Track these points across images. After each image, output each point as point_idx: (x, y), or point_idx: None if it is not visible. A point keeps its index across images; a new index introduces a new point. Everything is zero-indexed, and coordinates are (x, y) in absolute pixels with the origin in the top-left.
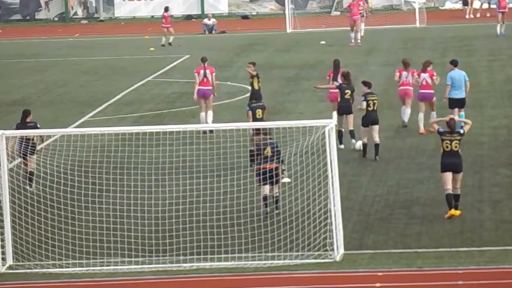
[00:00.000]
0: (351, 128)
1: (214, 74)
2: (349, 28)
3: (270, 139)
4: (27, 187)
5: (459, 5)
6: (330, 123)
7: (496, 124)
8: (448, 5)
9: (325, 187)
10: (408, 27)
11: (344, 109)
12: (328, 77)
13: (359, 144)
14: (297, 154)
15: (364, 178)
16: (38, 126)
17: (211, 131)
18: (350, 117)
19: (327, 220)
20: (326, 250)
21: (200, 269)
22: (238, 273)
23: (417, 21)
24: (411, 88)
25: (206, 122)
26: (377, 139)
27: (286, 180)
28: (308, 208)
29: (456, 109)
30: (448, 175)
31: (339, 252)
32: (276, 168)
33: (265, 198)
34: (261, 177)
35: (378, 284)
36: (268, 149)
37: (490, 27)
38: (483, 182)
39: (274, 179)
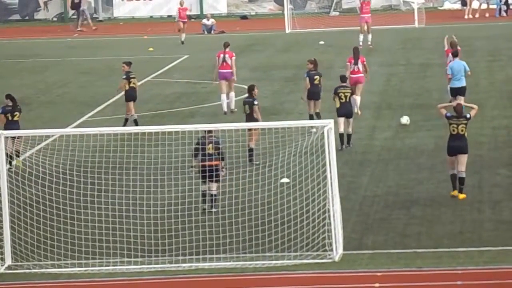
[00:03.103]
0: (317, 111)
1: (234, 58)
2: (359, 29)
3: (214, 136)
4: (9, 165)
5: (458, 6)
6: (329, 124)
7: (496, 124)
8: (447, 5)
9: (324, 187)
10: (407, 27)
11: (312, 94)
12: (348, 63)
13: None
14: (296, 155)
15: (364, 178)
16: (18, 106)
17: (232, 111)
18: (318, 102)
19: (326, 221)
20: (325, 251)
21: (199, 270)
22: (237, 273)
23: (416, 21)
24: None
25: (228, 104)
26: (349, 130)
27: (285, 180)
28: (307, 208)
29: (458, 97)
30: (453, 158)
31: (338, 252)
32: (217, 165)
33: (204, 195)
34: (204, 174)
35: (377, 284)
36: (210, 146)
37: (489, 28)
38: (482, 182)
39: (214, 177)
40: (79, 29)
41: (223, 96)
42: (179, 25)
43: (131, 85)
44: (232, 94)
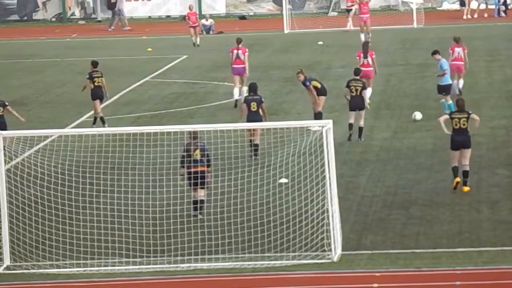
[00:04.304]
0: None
1: (246, 54)
2: (359, 28)
3: (200, 142)
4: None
5: (456, 6)
6: (328, 124)
7: (495, 124)
8: (446, 6)
9: (323, 187)
10: (405, 28)
11: (325, 91)
12: (358, 57)
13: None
14: (295, 155)
15: (362, 178)
16: (7, 104)
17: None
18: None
19: (325, 221)
20: (324, 251)
21: (198, 270)
22: (236, 273)
23: (414, 21)
24: (463, 63)
25: (239, 96)
26: (361, 123)
27: (284, 180)
28: (306, 209)
29: (448, 96)
30: (457, 152)
31: (336, 252)
32: (203, 171)
33: (195, 202)
34: (192, 180)
35: (375, 285)
36: (197, 151)
37: (488, 28)
38: (481, 182)
39: (201, 182)
40: (111, 28)
41: (236, 90)
42: (190, 31)
43: (96, 84)
44: (244, 88)
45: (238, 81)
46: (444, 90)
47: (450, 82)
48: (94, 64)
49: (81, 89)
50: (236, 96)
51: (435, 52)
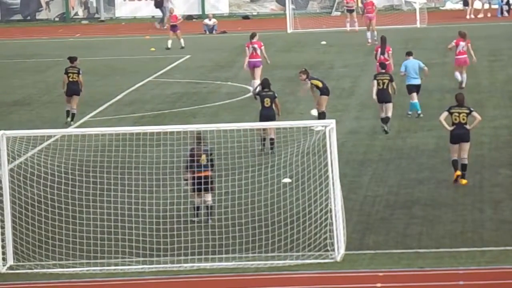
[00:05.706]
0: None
1: (262, 47)
2: (365, 27)
3: (204, 145)
4: None
5: (459, 6)
6: (331, 123)
7: (497, 124)
8: (449, 6)
9: (326, 187)
10: (408, 27)
11: (328, 91)
12: (375, 52)
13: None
14: (299, 155)
15: (365, 178)
16: None
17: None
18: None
19: (328, 221)
20: (327, 251)
21: (201, 270)
22: (239, 273)
23: (417, 21)
24: (467, 55)
25: (255, 89)
26: (388, 114)
27: (287, 180)
28: (309, 209)
29: (415, 94)
30: (456, 146)
31: (339, 252)
32: (211, 176)
33: (198, 208)
34: (196, 186)
35: (379, 285)
36: (203, 156)
37: (491, 27)
38: (483, 182)
39: (209, 187)
40: (164, 27)
41: (253, 82)
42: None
43: (70, 79)
44: (258, 81)
45: (254, 73)
46: (408, 90)
47: (410, 82)
48: (71, 59)
49: (84, 89)
50: (253, 87)
51: (407, 53)
